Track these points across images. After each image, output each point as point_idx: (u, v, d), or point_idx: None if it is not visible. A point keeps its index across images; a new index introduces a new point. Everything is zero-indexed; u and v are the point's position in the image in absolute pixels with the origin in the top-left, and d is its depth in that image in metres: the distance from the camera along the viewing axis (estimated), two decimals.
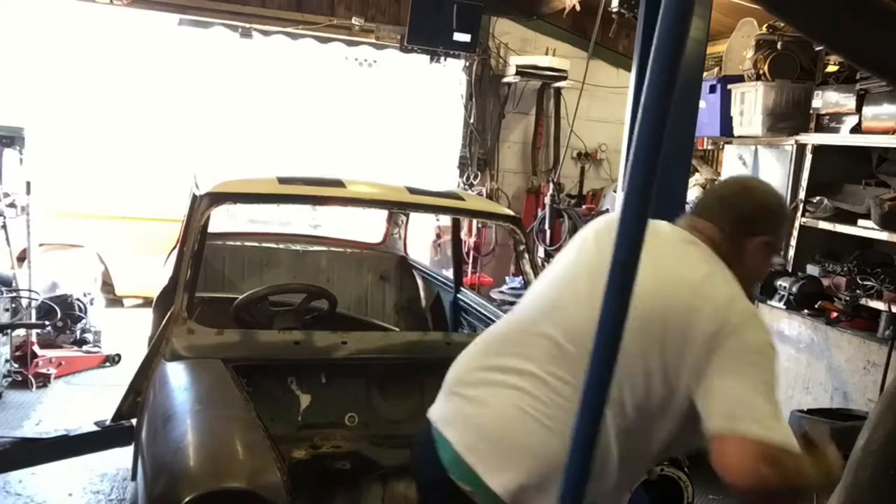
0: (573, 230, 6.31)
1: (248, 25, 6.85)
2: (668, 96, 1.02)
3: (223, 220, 4.42)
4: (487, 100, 7.56)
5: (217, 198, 2.99)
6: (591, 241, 1.87)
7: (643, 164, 1.04)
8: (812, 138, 4.63)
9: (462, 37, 6.95)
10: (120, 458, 3.56)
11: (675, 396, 1.62)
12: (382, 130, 8.47)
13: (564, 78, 7.24)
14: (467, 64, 7.45)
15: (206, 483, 1.90)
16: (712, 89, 5.32)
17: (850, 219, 4.34)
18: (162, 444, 2.16)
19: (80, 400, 4.95)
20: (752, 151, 5.14)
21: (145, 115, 8.18)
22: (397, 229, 5.17)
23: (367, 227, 5.60)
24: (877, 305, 4.03)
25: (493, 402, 1.74)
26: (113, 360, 5.72)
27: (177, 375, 2.56)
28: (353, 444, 2.61)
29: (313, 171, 3.60)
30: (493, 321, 3.51)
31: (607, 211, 6.51)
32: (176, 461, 2.04)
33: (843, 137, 4.44)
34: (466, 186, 7.41)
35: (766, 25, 5.07)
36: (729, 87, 5.20)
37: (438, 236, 7.43)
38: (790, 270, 4.65)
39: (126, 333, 5.95)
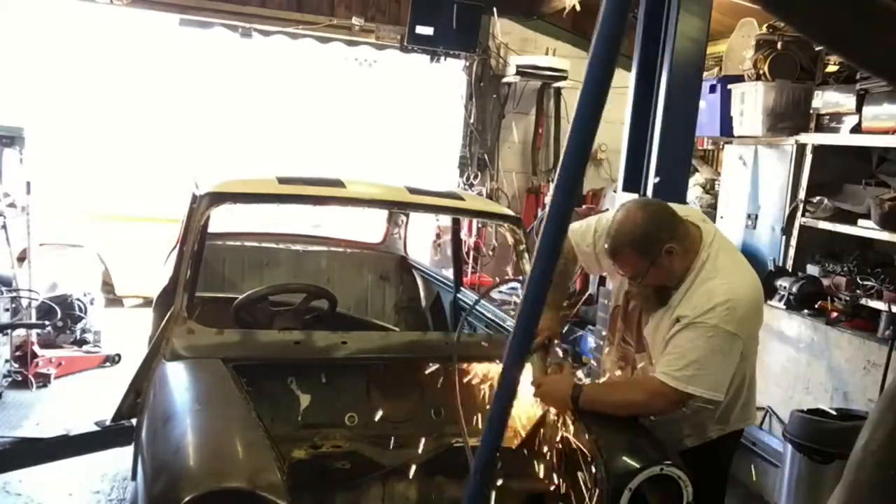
0: None
1: (248, 25, 6.85)
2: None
3: (227, 219, 4.41)
4: (487, 100, 7.57)
5: (217, 198, 2.99)
6: None
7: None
8: (812, 138, 4.63)
9: None
10: (120, 458, 3.55)
11: None
12: (382, 130, 8.47)
13: (564, 78, 7.24)
14: (467, 64, 7.45)
15: (206, 483, 1.90)
16: (712, 89, 5.32)
17: (850, 219, 4.34)
18: (162, 444, 2.16)
19: (80, 400, 4.95)
20: (752, 151, 5.14)
21: (146, 114, 8.18)
22: (397, 229, 5.17)
23: (368, 226, 5.60)
24: (877, 305, 4.03)
25: None
26: (113, 360, 5.71)
27: (177, 375, 2.55)
28: (353, 444, 2.61)
29: (313, 171, 3.60)
30: (493, 321, 3.52)
31: (607, 211, 6.50)
32: (176, 461, 2.04)
33: (843, 137, 4.43)
34: (466, 186, 7.41)
35: (766, 25, 5.07)
36: (729, 87, 5.19)
37: (438, 236, 7.43)
38: (790, 270, 4.65)
39: (126, 333, 5.95)
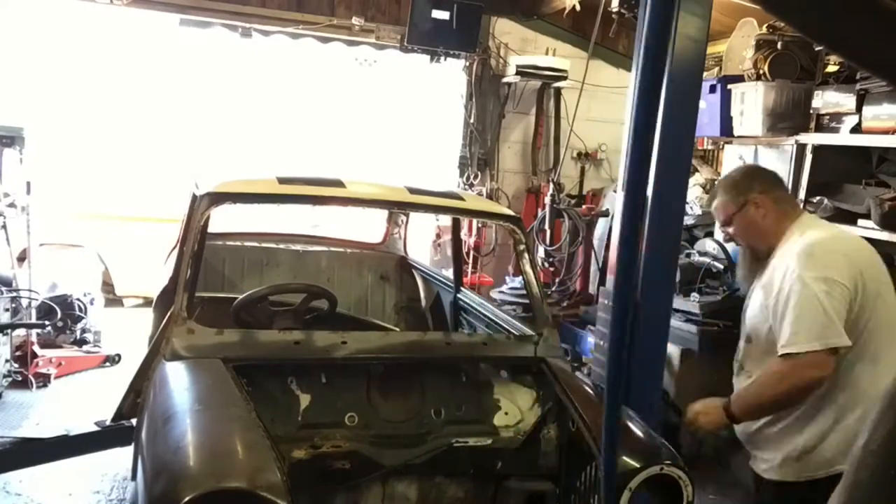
0: (573, 230, 6.31)
1: (248, 25, 6.85)
2: (657, 94, 1.01)
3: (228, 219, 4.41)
4: (487, 100, 7.56)
5: (217, 198, 2.99)
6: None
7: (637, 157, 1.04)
8: (812, 138, 4.63)
9: None
10: (120, 458, 3.56)
11: None
12: (383, 130, 8.47)
13: (564, 78, 7.24)
14: (467, 64, 7.45)
15: (206, 483, 1.90)
16: (712, 89, 5.32)
17: (850, 219, 4.34)
18: (162, 444, 2.16)
19: (80, 400, 4.96)
20: (752, 151, 5.14)
21: (146, 114, 8.18)
22: (397, 229, 5.17)
23: (368, 226, 5.60)
24: None
25: None
26: (113, 360, 5.72)
27: (177, 375, 2.55)
28: (353, 444, 2.61)
29: (313, 171, 3.60)
30: (493, 321, 3.53)
31: (607, 211, 6.50)
32: (176, 461, 2.04)
33: (843, 137, 4.43)
34: (466, 186, 7.40)
35: (766, 25, 5.07)
36: (729, 87, 5.19)
37: (438, 236, 7.43)
38: None
39: (126, 333, 5.95)
